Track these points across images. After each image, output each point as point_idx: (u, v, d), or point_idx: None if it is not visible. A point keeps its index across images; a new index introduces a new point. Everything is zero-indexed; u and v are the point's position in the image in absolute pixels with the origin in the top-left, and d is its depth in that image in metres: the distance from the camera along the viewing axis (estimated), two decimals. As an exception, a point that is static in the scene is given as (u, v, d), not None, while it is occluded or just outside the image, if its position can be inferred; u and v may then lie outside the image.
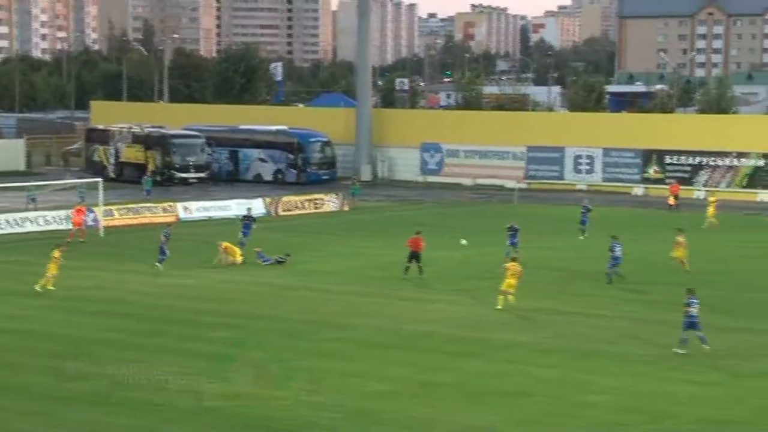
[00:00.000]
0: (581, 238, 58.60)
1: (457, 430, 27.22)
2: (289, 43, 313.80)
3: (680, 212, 70.84)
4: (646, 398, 30.05)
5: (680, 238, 49.15)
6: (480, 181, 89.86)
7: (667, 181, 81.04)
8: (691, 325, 34.78)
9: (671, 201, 73.43)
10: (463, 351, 35.19)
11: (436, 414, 28.51)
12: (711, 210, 65.98)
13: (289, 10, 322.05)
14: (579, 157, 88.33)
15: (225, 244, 51.25)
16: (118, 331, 37.69)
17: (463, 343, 36.35)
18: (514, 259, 42.64)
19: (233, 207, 70.83)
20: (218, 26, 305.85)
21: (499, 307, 40.27)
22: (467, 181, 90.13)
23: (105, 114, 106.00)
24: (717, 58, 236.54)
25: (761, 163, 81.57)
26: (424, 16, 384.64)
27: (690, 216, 66.78)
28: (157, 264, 49.30)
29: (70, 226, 59.68)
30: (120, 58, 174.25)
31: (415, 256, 47.42)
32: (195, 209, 70.12)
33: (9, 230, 61.60)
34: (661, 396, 30.25)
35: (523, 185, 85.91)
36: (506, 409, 29.03)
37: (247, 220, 56.09)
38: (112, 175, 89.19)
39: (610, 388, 31.08)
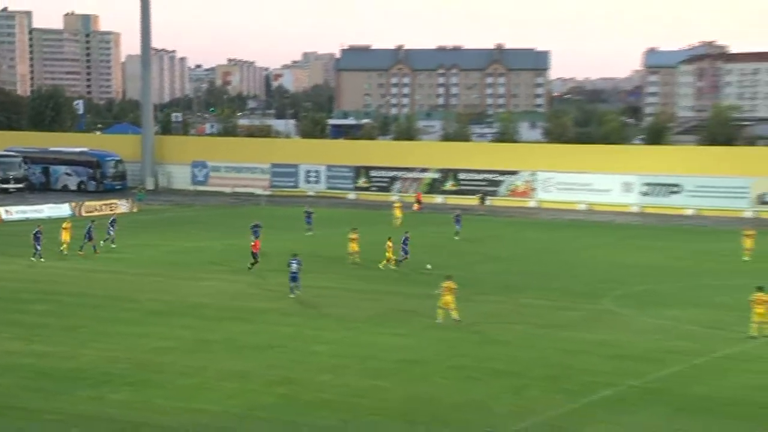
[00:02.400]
0: (309, 234, 58.41)
1: (223, 375, 27.00)
2: (89, 85, 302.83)
3: (422, 213, 71.27)
4: (357, 347, 30.60)
5: (354, 234, 48.01)
6: (237, 189, 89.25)
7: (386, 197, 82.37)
8: (293, 278, 38.13)
9: (415, 207, 73.51)
10: (228, 316, 34.94)
11: (207, 363, 28.22)
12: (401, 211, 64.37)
13: (88, 60, 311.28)
14: (309, 171, 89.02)
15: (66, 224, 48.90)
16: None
17: (228, 310, 36.10)
18: (449, 278, 34.28)
19: (46, 210, 68.11)
20: (31, 72, 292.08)
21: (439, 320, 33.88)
22: (227, 189, 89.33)
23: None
24: (405, 100, 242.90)
25: (437, 175, 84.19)
26: (193, 66, 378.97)
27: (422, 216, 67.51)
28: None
29: None
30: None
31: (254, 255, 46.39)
32: (15, 212, 66.87)
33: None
34: (368, 345, 30.83)
35: (268, 192, 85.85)
36: (260, 358, 29.00)
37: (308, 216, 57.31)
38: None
39: (332, 340, 31.48)
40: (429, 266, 44.75)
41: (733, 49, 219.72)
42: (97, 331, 32.17)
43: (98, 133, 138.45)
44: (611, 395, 25.51)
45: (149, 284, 41.59)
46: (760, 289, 32.28)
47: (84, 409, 23.52)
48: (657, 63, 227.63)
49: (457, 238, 56.88)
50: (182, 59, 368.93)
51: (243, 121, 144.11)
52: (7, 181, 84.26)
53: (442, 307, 33.65)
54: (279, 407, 24.22)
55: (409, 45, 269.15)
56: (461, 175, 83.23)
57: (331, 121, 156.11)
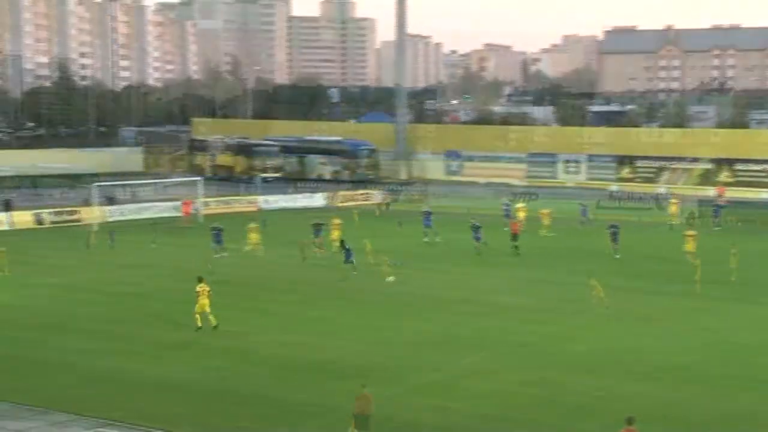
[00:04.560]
0: (506, 229, 54.72)
1: (473, 373, 26.98)
2: (343, 73, 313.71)
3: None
4: (617, 348, 29.74)
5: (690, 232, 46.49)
6: (491, 179, 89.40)
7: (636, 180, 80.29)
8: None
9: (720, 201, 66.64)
10: (476, 311, 34.89)
11: (456, 359, 28.25)
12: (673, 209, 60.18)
13: (343, 48, 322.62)
14: (568, 161, 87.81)
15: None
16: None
17: (477, 304, 36.01)
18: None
19: (301, 200, 71.10)
20: (289, 60, 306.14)
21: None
22: (481, 180, 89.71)
23: (203, 128, 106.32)
24: (675, 84, 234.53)
25: (710, 166, 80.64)
26: (448, 51, 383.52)
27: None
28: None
29: (180, 215, 60.05)
30: (214, 84, 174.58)
31: (514, 237, 47.86)
32: (273, 201, 70.26)
33: (133, 216, 62.04)
34: (629, 346, 29.84)
35: (524, 183, 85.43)
36: (513, 356, 28.76)
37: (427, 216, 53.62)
38: (209, 175, 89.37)
39: (590, 339, 30.69)
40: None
41: None
42: (345, 322, 33.09)
43: (352, 121, 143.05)
44: None
45: (402, 276, 42.07)
46: None
47: (334, 401, 24.21)
48: None
49: None
50: (437, 45, 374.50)
51: (498, 109, 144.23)
52: (265, 170, 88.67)
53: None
54: (534, 409, 23.96)
55: (679, 25, 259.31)
56: (738, 166, 79.26)
57: (593, 108, 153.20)
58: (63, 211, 60.57)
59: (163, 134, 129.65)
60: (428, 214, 54.01)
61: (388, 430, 22.40)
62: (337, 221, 50.11)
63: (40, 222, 58.59)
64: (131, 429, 21.94)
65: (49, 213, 59.92)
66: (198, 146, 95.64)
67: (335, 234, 49.34)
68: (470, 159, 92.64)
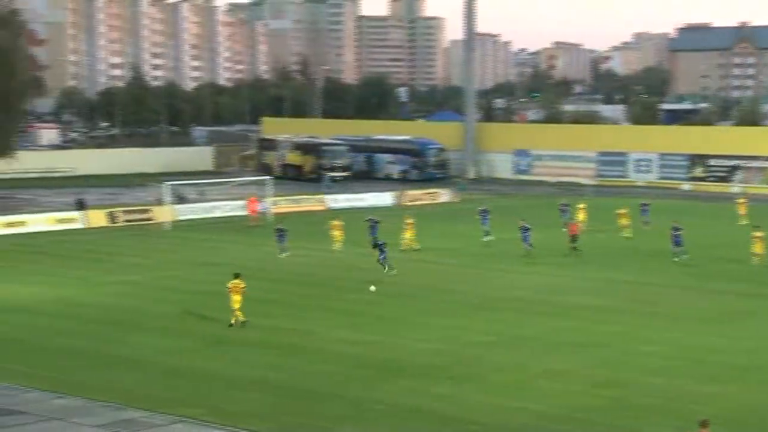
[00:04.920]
0: (564, 229, 53.86)
1: (542, 373, 26.90)
2: (412, 72, 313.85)
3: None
4: (690, 348, 29.37)
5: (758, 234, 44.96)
6: (560, 178, 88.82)
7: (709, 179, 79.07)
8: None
9: None
10: (545, 311, 34.84)
11: (526, 360, 28.25)
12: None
13: (411, 47, 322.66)
14: (639, 160, 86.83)
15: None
16: (279, 293, 38.08)
17: (546, 304, 35.98)
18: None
19: (369, 199, 71.38)
20: (357, 59, 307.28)
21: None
22: (551, 179, 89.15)
23: (273, 127, 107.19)
24: (749, 82, 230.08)
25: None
26: (517, 50, 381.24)
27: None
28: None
29: (247, 214, 60.58)
30: (283, 84, 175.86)
31: (573, 239, 47.35)
32: (341, 200, 70.59)
33: (203, 215, 62.79)
34: (702, 347, 29.45)
35: (594, 182, 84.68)
36: (581, 356, 28.61)
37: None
38: (277, 174, 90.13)
39: (662, 340, 30.38)
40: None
41: None
42: (414, 321, 33.14)
43: (420, 120, 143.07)
44: None
45: (466, 275, 42.34)
46: None
47: (405, 401, 24.25)
48: None
49: None
50: (506, 43, 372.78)
51: (568, 107, 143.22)
52: (333, 169, 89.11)
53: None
54: (607, 411, 23.74)
55: (755, 21, 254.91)
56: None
57: (665, 106, 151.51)
58: (135, 210, 61.53)
59: (233, 133, 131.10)
60: (485, 212, 53.62)
61: (459, 430, 22.36)
62: (409, 221, 50.13)
63: (113, 220, 59.58)
64: (206, 426, 22.17)
65: (122, 211, 60.91)
66: (267, 145, 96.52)
67: (408, 233, 49.39)
68: (539, 158, 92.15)
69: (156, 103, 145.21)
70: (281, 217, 60.71)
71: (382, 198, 72.16)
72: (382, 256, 41.71)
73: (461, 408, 23.71)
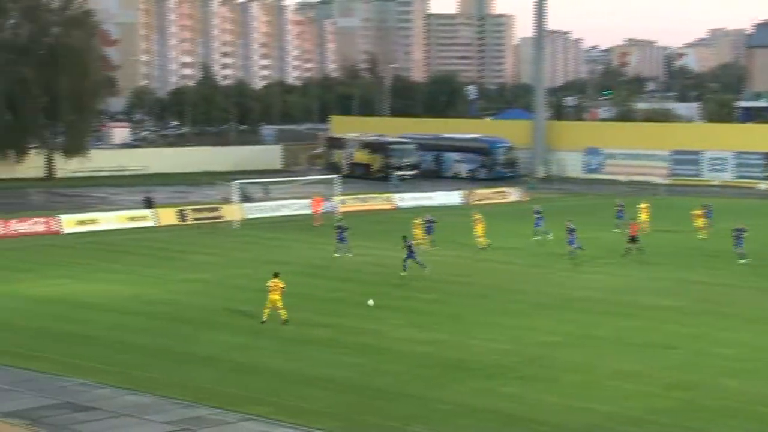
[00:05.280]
0: (616, 230, 53.85)
1: (613, 374, 26.70)
2: (481, 70, 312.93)
3: None
4: (766, 351, 28.92)
5: None
6: (633, 177, 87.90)
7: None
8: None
9: None
10: (615, 311, 34.57)
11: (596, 360, 28.06)
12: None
13: (480, 45, 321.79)
14: (714, 159, 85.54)
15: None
16: (345, 292, 38.33)
17: (615, 304, 35.69)
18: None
19: (437, 198, 71.40)
20: (426, 57, 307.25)
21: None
22: (622, 178, 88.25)
23: (341, 126, 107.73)
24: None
25: None
26: (588, 47, 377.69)
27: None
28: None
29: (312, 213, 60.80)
30: (352, 82, 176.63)
31: (632, 239, 46.59)
32: (408, 199, 70.67)
33: (270, 214, 63.39)
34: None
35: (667, 181, 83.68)
36: (653, 357, 28.34)
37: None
38: (345, 172, 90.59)
39: (737, 342, 29.96)
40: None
41: None
42: (483, 321, 33.12)
43: (489, 119, 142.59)
44: None
45: (536, 275, 42.21)
46: None
47: (474, 401, 24.26)
48: None
49: None
50: (577, 40, 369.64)
51: (640, 105, 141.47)
52: (401, 168, 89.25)
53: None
54: (679, 413, 23.50)
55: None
56: None
57: (740, 104, 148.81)
58: (204, 208, 62.33)
59: (302, 132, 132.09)
60: (539, 213, 53.30)
61: (527, 430, 22.33)
62: (477, 216, 50.13)
63: (183, 218, 60.44)
64: (276, 424, 22.41)
65: (192, 210, 61.77)
66: (335, 144, 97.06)
67: (478, 229, 49.42)
68: (611, 156, 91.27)
69: (225, 102, 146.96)
70: (340, 216, 60.98)
71: (451, 197, 72.11)
72: (408, 257, 41.17)
73: (529, 408, 23.67)
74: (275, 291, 32.21)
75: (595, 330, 31.74)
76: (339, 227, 47.51)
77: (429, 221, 49.16)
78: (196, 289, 38.82)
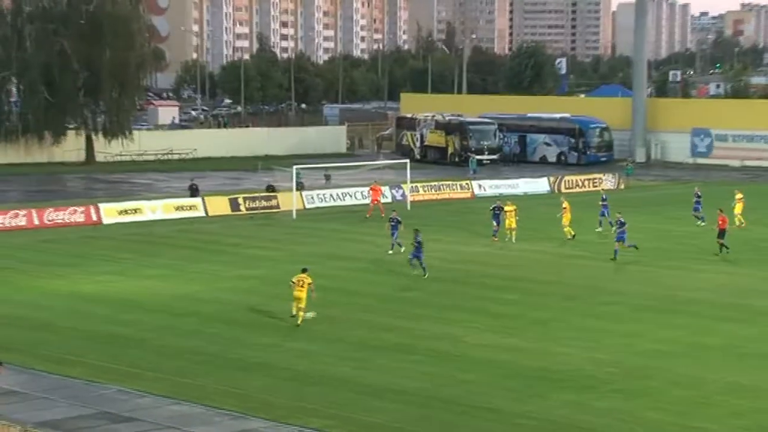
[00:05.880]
0: (701, 224, 53.17)
1: (726, 388, 26.16)
2: (573, 41, 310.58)
3: None
4: None
5: None
6: (747, 162, 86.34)
7: None
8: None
9: None
10: (727, 316, 33.97)
11: (705, 372, 27.55)
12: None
13: (573, 12, 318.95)
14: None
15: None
16: (418, 291, 38.19)
17: (727, 308, 35.07)
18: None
19: (521, 185, 70.91)
20: (510, 27, 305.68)
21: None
22: (735, 163, 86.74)
23: (412, 104, 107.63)
24: None
25: None
26: (696, 14, 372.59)
27: None
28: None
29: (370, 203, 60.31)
30: (426, 56, 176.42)
31: (720, 233, 45.63)
32: (488, 187, 70.25)
33: (332, 203, 63.48)
34: None
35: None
36: (769, 370, 27.80)
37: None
38: (417, 156, 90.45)
39: None
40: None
41: None
42: (573, 326, 32.78)
43: (582, 96, 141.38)
44: None
45: (632, 273, 41.79)
46: None
47: (561, 415, 24.01)
48: None
49: None
50: (684, 6, 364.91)
51: (757, 80, 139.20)
52: (480, 151, 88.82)
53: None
54: (798, 433, 23.01)
55: None
56: None
57: None
58: (259, 197, 62.61)
59: (369, 111, 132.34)
60: (605, 201, 52.93)
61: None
62: (565, 204, 49.78)
63: (236, 208, 60.78)
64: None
65: (245, 198, 62.10)
66: (406, 124, 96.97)
67: (566, 219, 49.08)
68: (722, 138, 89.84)
69: (283, 78, 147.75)
70: (421, 205, 60.70)
71: (537, 184, 71.50)
72: (415, 256, 40.61)
73: (629, 426, 23.32)
74: (299, 288, 32.01)
75: (705, 338, 31.21)
76: (393, 219, 46.25)
77: (394, 220, 47.30)
78: (250, 287, 38.99)
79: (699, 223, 53.08)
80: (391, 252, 45.47)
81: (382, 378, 27.05)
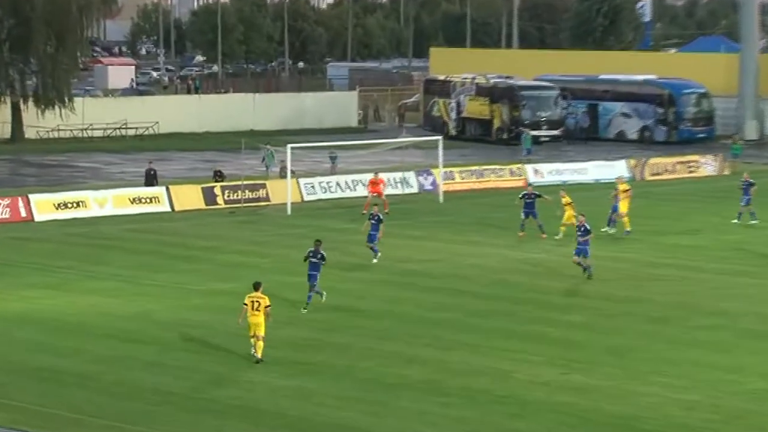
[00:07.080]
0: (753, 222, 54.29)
1: None
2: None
3: None
4: None
5: None
6: None
7: None
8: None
9: None
10: None
11: None
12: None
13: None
14: None
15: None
16: (452, 310, 38.24)
17: None
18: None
19: (591, 169, 70.74)
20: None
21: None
22: None
23: (446, 62, 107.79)
24: None
25: None
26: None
27: None
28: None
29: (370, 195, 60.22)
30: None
31: None
32: (547, 172, 70.17)
33: (338, 194, 63.55)
34: None
35: None
36: None
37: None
38: (452, 132, 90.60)
39: None
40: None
41: None
42: (658, 357, 32.87)
43: (672, 51, 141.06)
44: None
45: (738, 288, 41.89)
46: None
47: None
48: None
49: None
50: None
51: None
52: (537, 125, 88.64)
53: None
54: None
55: None
56: None
57: None
58: (240, 186, 62.60)
59: (388, 72, 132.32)
60: (747, 185, 53.50)
61: None
62: (625, 187, 50.24)
63: (211, 201, 60.83)
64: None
65: (224, 188, 62.11)
66: (437, 89, 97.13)
67: (623, 207, 49.99)
68: None
69: (274, 28, 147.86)
70: (456, 196, 60.65)
71: (612, 169, 71.25)
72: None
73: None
74: (255, 313, 31.64)
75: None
76: (373, 215, 46.40)
77: (374, 217, 47.07)
78: (228, 305, 38.86)
79: (754, 222, 53.44)
80: (375, 261, 45.89)
81: (401, 426, 27.14)
